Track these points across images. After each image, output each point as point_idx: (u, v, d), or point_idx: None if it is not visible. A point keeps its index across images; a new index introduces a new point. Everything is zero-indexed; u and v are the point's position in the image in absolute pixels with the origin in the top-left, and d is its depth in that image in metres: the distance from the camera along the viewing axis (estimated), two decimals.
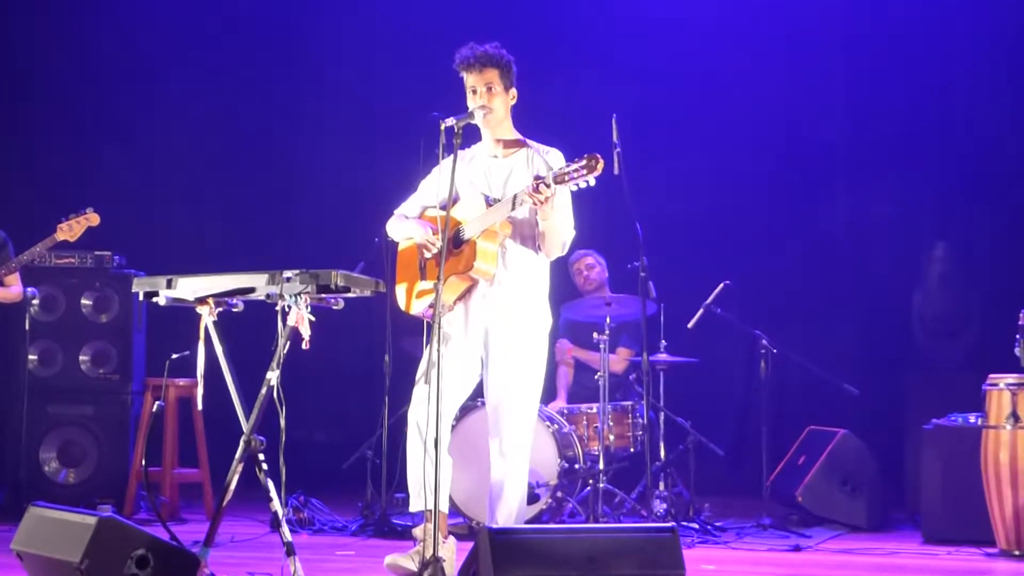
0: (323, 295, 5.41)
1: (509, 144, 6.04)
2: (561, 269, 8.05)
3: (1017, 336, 7.32)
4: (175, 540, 5.12)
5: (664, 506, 7.91)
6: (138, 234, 9.67)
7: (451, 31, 6.99)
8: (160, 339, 8.30)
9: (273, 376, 5.41)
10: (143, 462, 7.93)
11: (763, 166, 10.52)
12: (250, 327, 6.07)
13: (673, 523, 7.21)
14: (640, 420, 8.30)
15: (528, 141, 6.04)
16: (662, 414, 8.49)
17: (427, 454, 5.58)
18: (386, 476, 7.85)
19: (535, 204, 5.59)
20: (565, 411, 8.34)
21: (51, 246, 7.63)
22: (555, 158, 5.92)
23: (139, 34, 10.93)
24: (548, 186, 5.52)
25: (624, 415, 8.32)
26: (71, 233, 7.56)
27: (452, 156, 5.66)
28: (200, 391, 5.76)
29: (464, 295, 5.92)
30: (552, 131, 6.31)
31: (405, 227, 6.12)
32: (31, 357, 8.54)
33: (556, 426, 7.92)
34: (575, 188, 5.54)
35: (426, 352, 5.66)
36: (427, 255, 5.96)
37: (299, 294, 5.34)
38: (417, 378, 5.87)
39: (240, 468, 5.45)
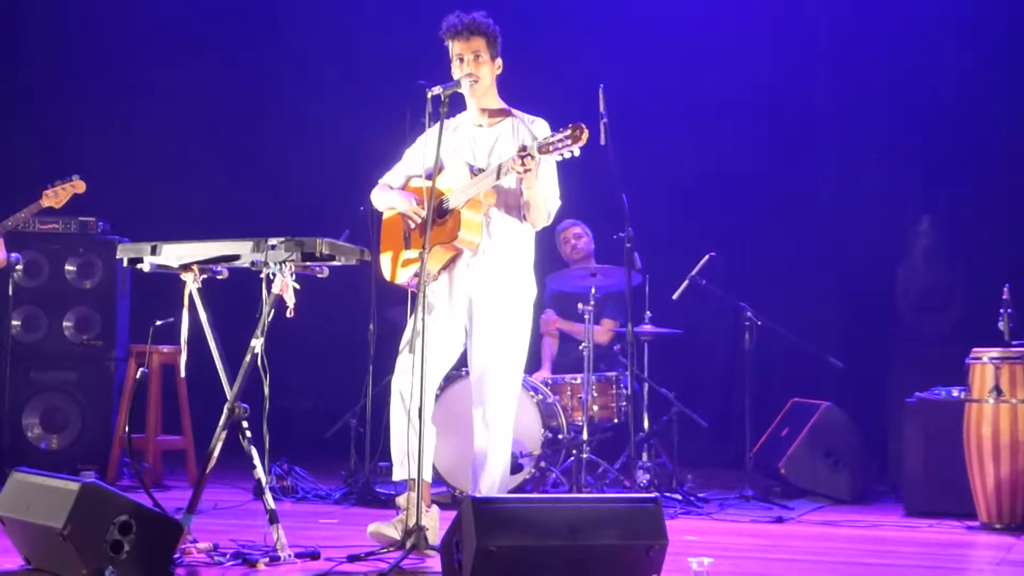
0: (308, 263, 5.42)
1: (494, 113, 6.03)
2: (547, 240, 8.04)
3: (1001, 310, 7.34)
4: (158, 507, 5.11)
5: (647, 477, 7.92)
6: (123, 200, 9.63)
7: None
8: (144, 306, 8.28)
9: (257, 344, 5.42)
10: (126, 429, 7.89)
11: (750, 138, 10.50)
12: (234, 294, 6.05)
13: (656, 494, 7.20)
14: (624, 391, 8.30)
15: (513, 111, 6.03)
16: (646, 385, 8.50)
17: (411, 423, 5.58)
18: (370, 445, 7.85)
19: (520, 174, 5.58)
20: (549, 381, 8.34)
21: (36, 212, 7.60)
22: (540, 128, 5.91)
23: (122, 2, 10.87)
24: (532, 156, 5.51)
25: (608, 386, 8.33)
26: (56, 200, 7.53)
27: (438, 125, 5.65)
28: (183, 358, 5.77)
29: (449, 265, 5.92)
30: (539, 101, 6.30)
31: (388, 198, 6.11)
32: (14, 323, 8.52)
33: (540, 396, 7.93)
34: (559, 158, 5.53)
35: (410, 321, 5.65)
36: (411, 226, 5.96)
37: (284, 262, 5.35)
38: (401, 347, 5.88)
39: (224, 435, 5.46)
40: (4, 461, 7.83)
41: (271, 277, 5.38)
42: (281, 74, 11.19)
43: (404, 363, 5.76)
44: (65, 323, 8.60)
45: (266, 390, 5.32)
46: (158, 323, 5.86)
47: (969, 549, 6.62)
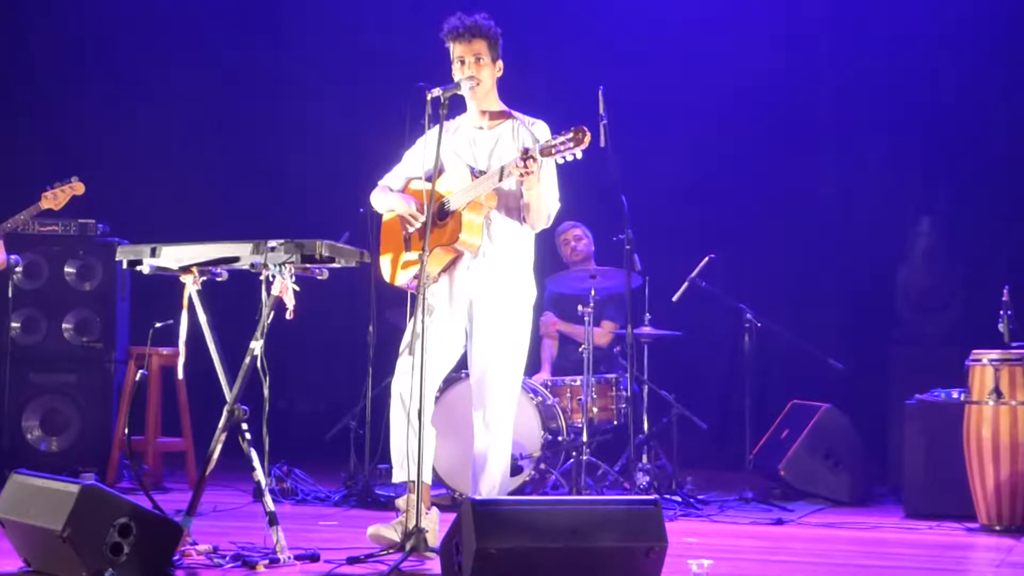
0: (308, 265, 5.42)
1: (495, 116, 6.02)
2: (547, 241, 8.03)
3: (1001, 312, 7.33)
4: (158, 509, 5.12)
5: (647, 479, 7.91)
6: (122, 202, 9.63)
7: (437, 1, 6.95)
8: (144, 308, 8.27)
9: (257, 346, 5.42)
10: (126, 431, 7.89)
11: (749, 140, 10.49)
12: (234, 297, 6.05)
13: (656, 496, 7.22)
14: (624, 393, 8.30)
15: (514, 113, 6.03)
16: (646, 387, 8.49)
17: (410, 425, 5.57)
18: (369, 447, 7.85)
19: (521, 176, 5.57)
20: (549, 383, 8.34)
21: (35, 214, 7.59)
22: (541, 130, 5.90)
23: (121, 3, 10.87)
24: (535, 159, 5.50)
25: (608, 388, 8.33)
26: (56, 202, 7.53)
27: (438, 127, 5.65)
28: (182, 360, 5.77)
29: (449, 267, 5.91)
30: (538, 103, 6.29)
31: (388, 200, 6.10)
32: (14, 325, 8.51)
33: (540, 398, 7.92)
34: (561, 161, 5.53)
35: (410, 323, 5.65)
36: (410, 229, 5.96)
37: (283, 264, 5.35)
38: (401, 349, 5.87)
39: (223, 437, 5.46)
40: (4, 463, 7.81)
41: (271, 279, 5.38)
42: (281, 74, 11.18)
43: (404, 365, 5.76)
44: (65, 325, 8.59)
45: (266, 392, 5.32)
46: (158, 325, 5.86)
47: (969, 551, 6.63)
